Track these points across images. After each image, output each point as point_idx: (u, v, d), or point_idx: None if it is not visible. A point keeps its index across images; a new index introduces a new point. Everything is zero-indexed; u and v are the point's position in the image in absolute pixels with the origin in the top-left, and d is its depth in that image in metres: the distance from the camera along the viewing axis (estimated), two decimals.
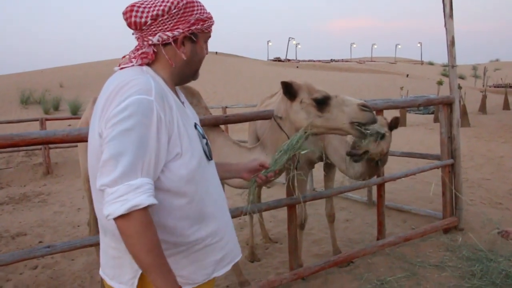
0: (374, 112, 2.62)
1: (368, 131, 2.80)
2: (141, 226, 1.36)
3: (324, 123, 2.72)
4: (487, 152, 10.35)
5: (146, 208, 1.37)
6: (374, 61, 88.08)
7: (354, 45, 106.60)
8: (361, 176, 3.97)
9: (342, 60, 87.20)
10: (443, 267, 4.15)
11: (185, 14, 1.58)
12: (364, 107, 2.66)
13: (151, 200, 1.38)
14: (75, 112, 18.56)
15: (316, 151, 3.98)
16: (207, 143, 1.73)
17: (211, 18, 1.67)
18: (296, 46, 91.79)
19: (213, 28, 1.71)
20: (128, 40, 1.67)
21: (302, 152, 2.54)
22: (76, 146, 4.85)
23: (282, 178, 5.48)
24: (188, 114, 1.69)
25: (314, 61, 78.83)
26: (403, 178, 6.26)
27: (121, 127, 1.38)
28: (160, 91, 1.50)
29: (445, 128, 5.11)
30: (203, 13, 1.63)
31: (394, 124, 3.72)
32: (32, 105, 20.94)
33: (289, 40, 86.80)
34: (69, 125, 14.76)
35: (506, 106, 22.90)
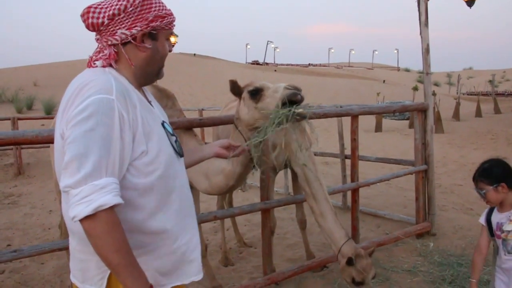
0: (301, 92, 2.52)
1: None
2: (108, 226, 1.34)
3: (261, 114, 2.67)
4: (460, 158, 10.57)
5: (112, 208, 1.35)
6: (352, 67, 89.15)
7: (332, 50, 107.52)
8: None
9: (320, 65, 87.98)
10: (415, 272, 4.19)
11: (142, 12, 1.57)
12: (289, 87, 2.58)
13: (117, 200, 1.36)
14: (49, 111, 18.18)
15: (279, 158, 3.94)
16: (176, 140, 1.72)
17: (171, 14, 1.65)
18: (275, 50, 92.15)
19: (175, 23, 1.69)
20: None
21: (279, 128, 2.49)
22: (49, 146, 4.73)
23: (257, 181, 5.46)
24: (156, 112, 1.68)
25: (292, 65, 79.40)
26: (377, 183, 6.34)
27: (83, 128, 1.36)
28: (122, 90, 1.48)
29: (419, 134, 5.18)
30: (162, 9, 1.62)
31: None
32: (4, 103, 20.46)
33: (267, 44, 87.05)
34: (43, 124, 14.47)
35: (478, 114, 23.42)
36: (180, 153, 1.72)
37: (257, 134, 2.50)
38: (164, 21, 1.62)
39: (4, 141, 2.56)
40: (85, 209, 1.31)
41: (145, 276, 1.44)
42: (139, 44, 1.59)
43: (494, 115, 24.16)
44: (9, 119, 11.06)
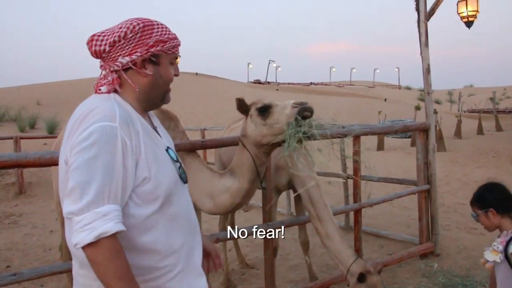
0: (307, 105, 2.63)
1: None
2: (110, 253, 1.34)
3: (269, 130, 2.72)
4: (462, 176, 10.52)
5: (114, 235, 1.36)
6: (353, 85, 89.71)
7: (334, 69, 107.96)
8: None
9: (322, 84, 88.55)
10: None
11: (142, 38, 1.57)
12: (296, 104, 2.65)
13: (119, 227, 1.37)
14: (52, 130, 18.21)
15: (283, 179, 3.96)
16: (180, 167, 1.70)
17: (173, 38, 1.64)
18: (276, 69, 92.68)
19: (180, 49, 1.68)
20: None
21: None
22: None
23: (259, 201, 5.43)
24: (160, 138, 1.67)
25: (294, 84, 79.86)
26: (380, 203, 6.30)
27: (86, 155, 1.37)
28: (126, 117, 1.49)
29: (421, 154, 5.17)
30: (164, 34, 1.61)
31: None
32: (7, 122, 20.53)
33: (269, 63, 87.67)
34: (45, 144, 14.47)
35: (480, 131, 23.40)
36: (184, 180, 1.71)
37: (284, 150, 2.62)
38: (166, 46, 1.61)
39: (7, 164, 2.55)
40: (87, 237, 1.32)
41: None
42: (139, 70, 1.59)
43: (495, 132, 24.13)
44: (11, 138, 11.02)
